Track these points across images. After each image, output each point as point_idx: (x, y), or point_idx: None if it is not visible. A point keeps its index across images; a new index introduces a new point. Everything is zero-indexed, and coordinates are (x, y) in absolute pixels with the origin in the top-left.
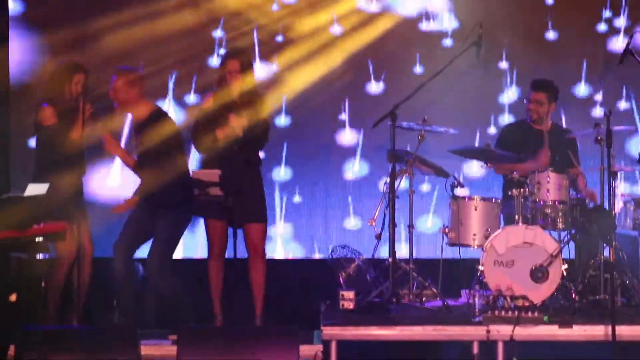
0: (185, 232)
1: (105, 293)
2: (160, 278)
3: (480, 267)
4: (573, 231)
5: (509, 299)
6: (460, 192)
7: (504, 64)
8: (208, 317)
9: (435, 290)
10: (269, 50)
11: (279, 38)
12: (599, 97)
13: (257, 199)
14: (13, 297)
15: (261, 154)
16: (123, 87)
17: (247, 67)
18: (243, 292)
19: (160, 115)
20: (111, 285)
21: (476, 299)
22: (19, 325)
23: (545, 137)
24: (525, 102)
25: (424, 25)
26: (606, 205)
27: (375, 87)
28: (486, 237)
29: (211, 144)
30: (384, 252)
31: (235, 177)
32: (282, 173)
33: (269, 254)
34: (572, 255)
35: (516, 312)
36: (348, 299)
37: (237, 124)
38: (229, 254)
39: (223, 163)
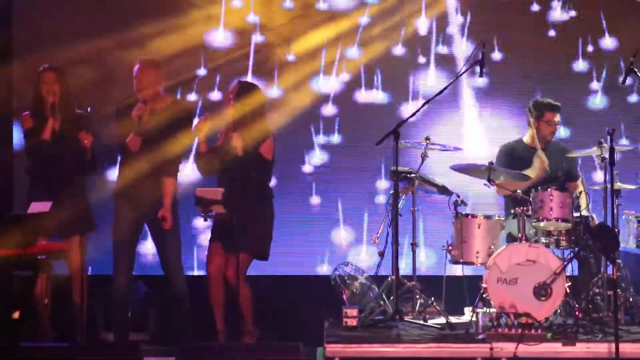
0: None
1: (100, 311)
2: (180, 273)
3: (484, 285)
4: (576, 249)
5: (512, 317)
6: (463, 210)
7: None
8: (206, 334)
9: (438, 308)
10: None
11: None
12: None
13: (247, 227)
14: (16, 315)
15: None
16: (151, 74)
17: (241, 92)
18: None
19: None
20: (109, 304)
21: (479, 317)
22: (21, 343)
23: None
24: (535, 121)
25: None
26: (609, 223)
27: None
28: (489, 255)
29: (208, 163)
30: (387, 270)
31: (236, 197)
32: None
33: (272, 271)
34: (576, 273)
35: (519, 330)
36: (351, 316)
37: (238, 143)
38: None
39: (224, 184)
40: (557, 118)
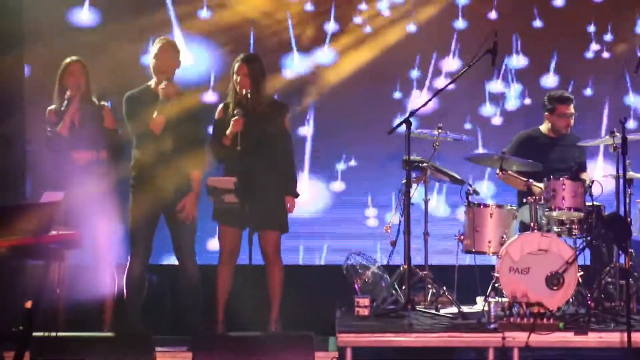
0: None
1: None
2: (193, 261)
3: (496, 274)
4: (589, 238)
5: (524, 306)
6: (475, 199)
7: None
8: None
9: (450, 297)
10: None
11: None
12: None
13: (273, 205)
14: (28, 304)
15: None
16: (172, 55)
17: (258, 72)
18: (256, 299)
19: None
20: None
21: (491, 306)
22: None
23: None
24: (549, 115)
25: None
26: (622, 212)
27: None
28: (501, 244)
29: (221, 152)
30: (399, 259)
31: (252, 182)
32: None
33: (284, 260)
34: (588, 262)
35: (531, 319)
36: (363, 305)
37: (238, 128)
38: (243, 260)
39: (241, 168)
40: (571, 110)
